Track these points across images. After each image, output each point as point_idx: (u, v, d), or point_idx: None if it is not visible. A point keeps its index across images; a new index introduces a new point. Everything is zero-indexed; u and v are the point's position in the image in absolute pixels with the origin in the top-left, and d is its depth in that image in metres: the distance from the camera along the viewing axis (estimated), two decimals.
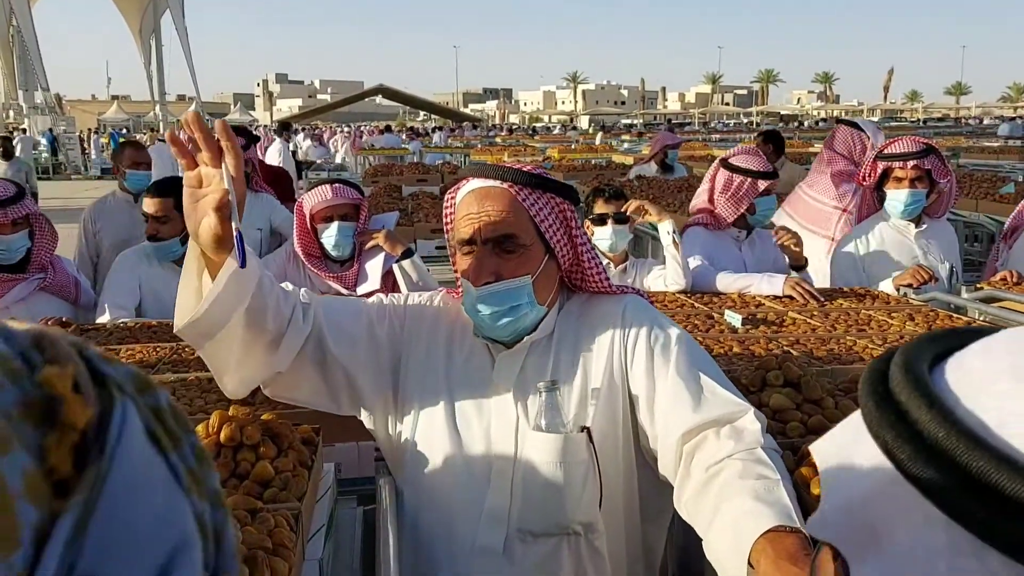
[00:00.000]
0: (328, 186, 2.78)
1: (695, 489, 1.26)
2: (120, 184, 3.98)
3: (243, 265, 1.20)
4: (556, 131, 33.18)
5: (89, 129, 34.77)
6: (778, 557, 1.03)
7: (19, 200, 2.68)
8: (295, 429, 1.43)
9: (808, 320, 2.49)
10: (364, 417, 1.53)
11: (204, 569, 0.34)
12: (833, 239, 3.44)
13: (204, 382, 1.87)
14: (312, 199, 2.75)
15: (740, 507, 1.14)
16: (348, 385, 1.47)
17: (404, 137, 21.07)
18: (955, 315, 2.65)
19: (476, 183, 1.42)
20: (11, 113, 30.12)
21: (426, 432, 1.44)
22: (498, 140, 22.58)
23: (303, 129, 26.60)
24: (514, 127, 44.22)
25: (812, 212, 3.63)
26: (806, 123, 44.26)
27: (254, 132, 5.91)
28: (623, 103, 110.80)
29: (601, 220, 3.02)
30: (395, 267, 2.74)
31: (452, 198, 1.47)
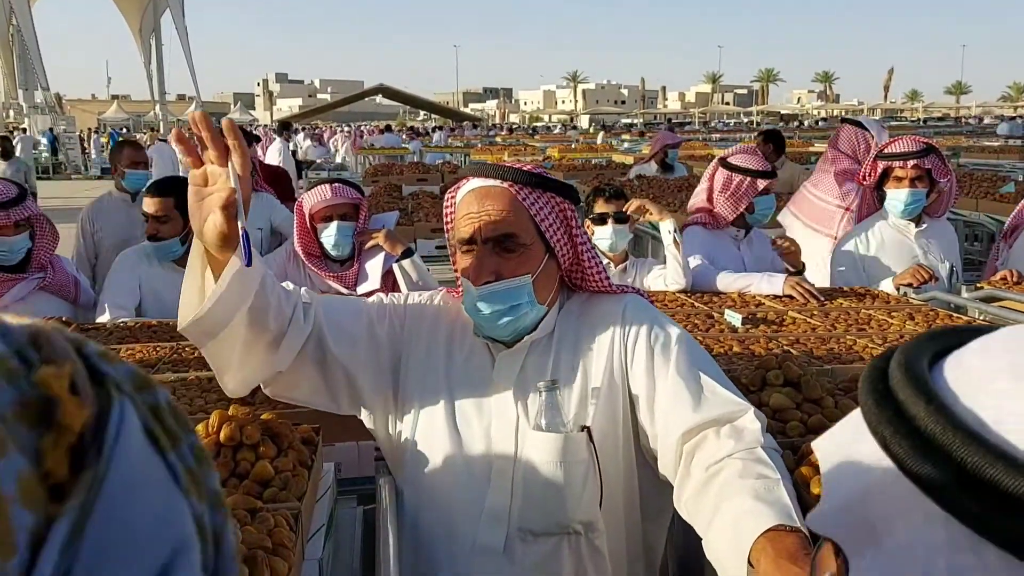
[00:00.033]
0: (328, 186, 2.78)
1: (695, 488, 1.26)
2: (117, 183, 3.98)
3: (249, 264, 1.20)
4: (556, 131, 33.19)
5: (89, 129, 34.78)
6: (778, 556, 1.03)
7: (21, 201, 2.68)
8: (295, 429, 1.43)
9: (808, 319, 2.49)
10: (364, 416, 1.53)
11: (203, 571, 0.34)
12: (836, 238, 3.44)
13: (204, 381, 1.87)
14: (312, 198, 2.75)
15: (740, 506, 1.14)
16: (348, 384, 1.47)
17: (404, 137, 21.07)
18: (955, 315, 2.65)
19: (476, 182, 1.42)
20: (11, 112, 30.12)
21: (426, 431, 1.44)
22: (498, 140, 22.58)
23: (303, 129, 26.59)
24: (514, 126, 44.20)
25: (816, 211, 3.63)
26: (806, 123, 44.25)
27: (253, 132, 5.90)
28: (623, 102, 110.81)
29: (601, 220, 3.02)
30: (395, 266, 2.74)
31: (452, 197, 1.47)
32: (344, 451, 1.66)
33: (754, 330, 2.37)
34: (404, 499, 1.47)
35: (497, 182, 1.39)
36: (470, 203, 1.40)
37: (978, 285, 2.93)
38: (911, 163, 3.00)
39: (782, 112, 64.58)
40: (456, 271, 1.46)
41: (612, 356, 1.42)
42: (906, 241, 3.13)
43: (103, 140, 27.05)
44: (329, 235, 2.73)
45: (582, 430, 1.33)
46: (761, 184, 3.01)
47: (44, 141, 23.43)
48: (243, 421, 1.33)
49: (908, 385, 0.41)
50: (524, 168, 1.41)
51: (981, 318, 2.63)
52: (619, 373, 1.41)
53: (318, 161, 14.04)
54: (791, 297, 2.75)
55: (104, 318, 2.71)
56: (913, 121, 45.44)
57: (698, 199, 3.17)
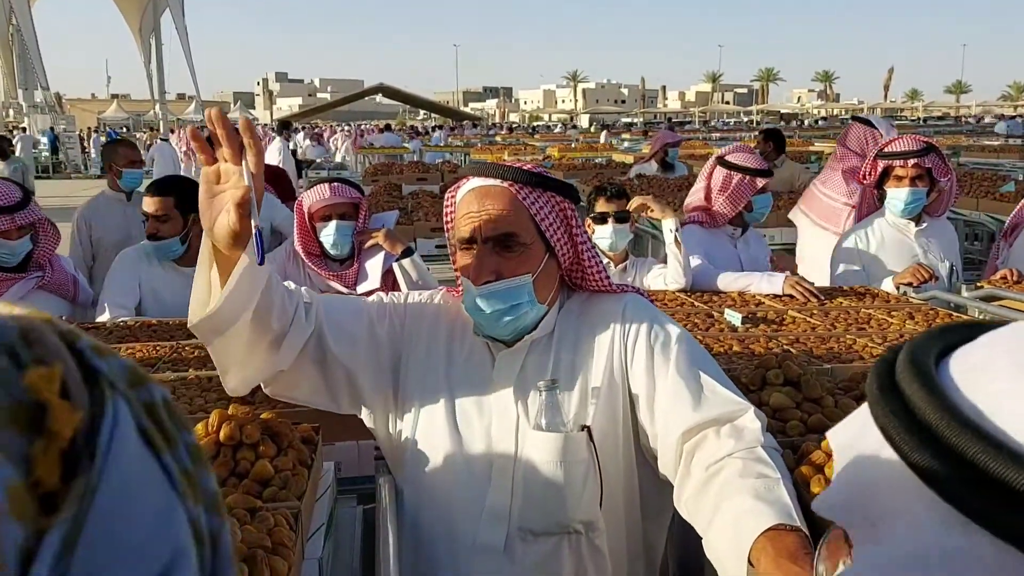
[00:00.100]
0: (327, 185, 2.78)
1: (695, 488, 1.26)
2: (112, 183, 3.98)
3: (262, 262, 1.20)
4: (556, 130, 33.19)
5: (89, 128, 34.76)
6: (778, 555, 1.03)
7: (26, 205, 2.69)
8: (295, 428, 1.43)
9: (808, 319, 2.49)
10: (364, 416, 1.53)
11: (200, 575, 0.33)
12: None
13: (204, 381, 1.87)
14: (311, 198, 2.75)
15: (740, 505, 1.14)
16: (348, 384, 1.47)
17: (404, 136, 21.06)
18: (955, 314, 2.65)
19: (476, 182, 1.42)
20: (11, 112, 30.13)
21: (426, 431, 1.44)
22: (498, 139, 22.59)
23: (303, 128, 26.58)
24: (514, 126, 44.19)
25: (824, 209, 3.64)
26: (806, 122, 44.26)
27: None
28: (623, 102, 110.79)
29: (602, 219, 3.03)
30: (395, 266, 2.74)
31: (452, 197, 1.47)
32: (344, 450, 1.66)
33: (754, 329, 2.37)
34: (404, 498, 1.47)
35: (497, 181, 1.39)
36: (470, 202, 1.39)
37: (978, 284, 2.93)
38: (911, 162, 3.00)
39: (782, 111, 64.57)
40: (456, 270, 1.45)
41: (612, 355, 1.42)
42: (906, 240, 3.13)
43: (103, 140, 27.05)
44: (328, 234, 2.73)
45: (582, 429, 1.33)
46: (760, 182, 3.02)
47: (44, 140, 23.43)
48: (243, 420, 1.33)
49: (911, 376, 0.42)
50: (524, 167, 1.41)
51: (981, 317, 2.63)
52: (619, 372, 1.41)
53: (318, 160, 14.03)
54: (791, 296, 2.75)
55: (104, 317, 2.71)
56: (913, 120, 45.43)
57: (695, 198, 3.17)
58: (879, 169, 3.11)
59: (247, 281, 1.23)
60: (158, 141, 18.51)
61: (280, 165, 7.96)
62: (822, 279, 3.18)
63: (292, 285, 1.44)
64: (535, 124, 50.93)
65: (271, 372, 1.41)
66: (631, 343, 1.42)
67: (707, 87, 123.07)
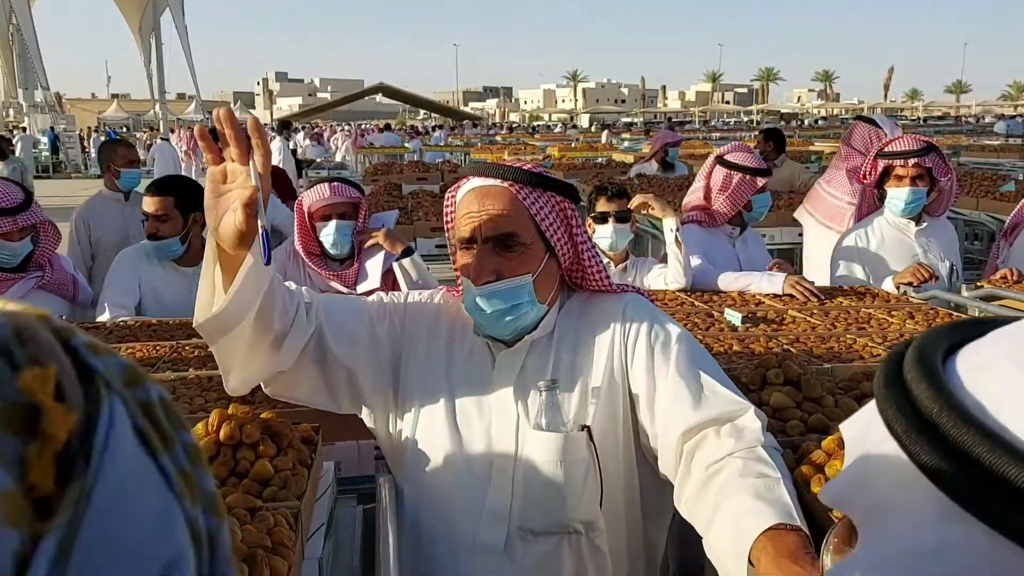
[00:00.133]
0: (326, 185, 2.78)
1: (695, 487, 1.26)
2: (109, 182, 3.98)
3: (268, 262, 1.20)
4: (556, 129, 33.18)
5: (89, 128, 34.77)
6: (779, 555, 1.03)
7: (27, 207, 2.69)
8: (295, 428, 1.43)
9: (808, 318, 2.49)
10: (364, 415, 1.53)
11: None
12: None
13: (204, 380, 1.87)
14: (311, 197, 2.75)
15: (740, 505, 1.14)
16: (348, 384, 1.47)
17: (404, 136, 21.06)
18: (955, 313, 2.65)
19: (476, 182, 1.42)
20: (11, 112, 30.13)
21: (427, 430, 1.44)
22: (498, 138, 22.59)
23: (303, 128, 26.58)
24: (514, 125, 44.19)
25: (829, 208, 3.64)
26: (806, 121, 44.26)
27: None
28: (623, 101, 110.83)
29: (603, 218, 3.03)
30: (395, 265, 2.73)
31: (452, 197, 1.47)
32: (344, 450, 1.65)
33: (754, 329, 2.37)
34: (404, 498, 1.47)
35: (497, 181, 1.39)
36: (470, 202, 1.39)
37: (978, 284, 2.93)
38: (912, 162, 3.00)
39: (782, 111, 64.58)
40: (456, 270, 1.45)
41: (612, 355, 1.42)
42: (906, 240, 3.13)
43: (102, 139, 27.05)
44: (328, 234, 2.73)
45: (582, 429, 1.33)
46: (760, 181, 3.02)
47: (44, 140, 23.43)
48: (243, 420, 1.33)
49: (916, 369, 0.43)
50: (524, 167, 1.41)
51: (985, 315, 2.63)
52: (619, 372, 1.41)
53: (318, 160, 14.04)
54: (791, 296, 2.75)
55: (104, 317, 2.71)
56: (913, 120, 45.39)
57: (693, 197, 3.17)
58: (879, 169, 3.11)
59: (252, 281, 1.22)
60: (159, 141, 18.51)
61: (280, 165, 7.96)
62: (826, 279, 3.18)
63: (293, 285, 1.43)
64: (535, 124, 50.93)
65: (271, 372, 1.41)
66: (631, 343, 1.42)
67: (707, 87, 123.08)
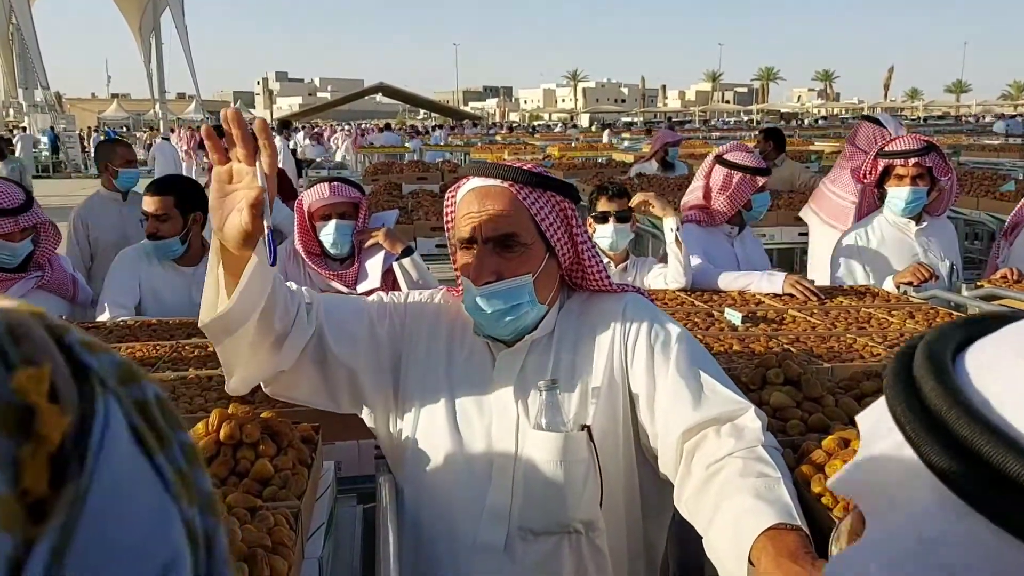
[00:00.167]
0: (326, 184, 2.78)
1: (695, 487, 1.26)
2: (107, 182, 3.98)
3: (273, 263, 1.20)
4: (556, 129, 33.18)
5: (89, 127, 34.77)
6: (779, 555, 1.03)
7: (29, 208, 2.69)
8: (295, 427, 1.43)
9: (808, 318, 2.49)
10: (365, 415, 1.53)
11: None
12: None
13: (204, 380, 1.87)
14: (311, 197, 2.75)
15: (740, 505, 1.14)
16: (349, 384, 1.47)
17: (404, 135, 21.06)
18: (955, 313, 2.65)
19: (476, 182, 1.42)
20: (11, 111, 30.13)
21: (427, 430, 1.44)
22: (498, 138, 22.59)
23: (303, 127, 26.57)
24: (514, 125, 44.20)
25: (833, 207, 3.65)
26: (806, 121, 44.26)
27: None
28: (623, 101, 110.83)
29: (603, 218, 3.03)
30: (395, 265, 2.73)
31: (452, 196, 1.47)
32: (344, 449, 1.65)
33: (754, 328, 2.37)
34: (404, 498, 1.47)
35: (497, 181, 1.39)
36: (470, 202, 1.39)
37: (978, 283, 2.93)
38: (912, 161, 3.00)
39: (782, 110, 64.57)
40: (456, 270, 1.45)
41: (612, 355, 1.42)
42: (906, 239, 3.13)
43: (102, 139, 27.03)
44: (328, 234, 2.73)
45: (582, 429, 1.33)
46: (760, 180, 3.02)
47: (44, 140, 23.43)
48: (243, 419, 1.33)
49: (925, 366, 0.43)
50: (524, 167, 1.41)
51: (999, 310, 2.63)
52: (619, 372, 1.41)
53: (318, 160, 14.04)
54: (791, 295, 2.75)
55: (104, 317, 2.71)
56: (913, 119, 45.39)
57: (692, 196, 3.17)
58: (879, 168, 3.11)
59: (257, 281, 1.23)
60: (159, 140, 18.51)
61: (280, 165, 7.96)
62: (826, 277, 3.18)
63: (293, 285, 1.44)
64: (535, 123, 50.94)
65: (272, 372, 1.41)
66: (631, 343, 1.42)
67: (707, 86, 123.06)
